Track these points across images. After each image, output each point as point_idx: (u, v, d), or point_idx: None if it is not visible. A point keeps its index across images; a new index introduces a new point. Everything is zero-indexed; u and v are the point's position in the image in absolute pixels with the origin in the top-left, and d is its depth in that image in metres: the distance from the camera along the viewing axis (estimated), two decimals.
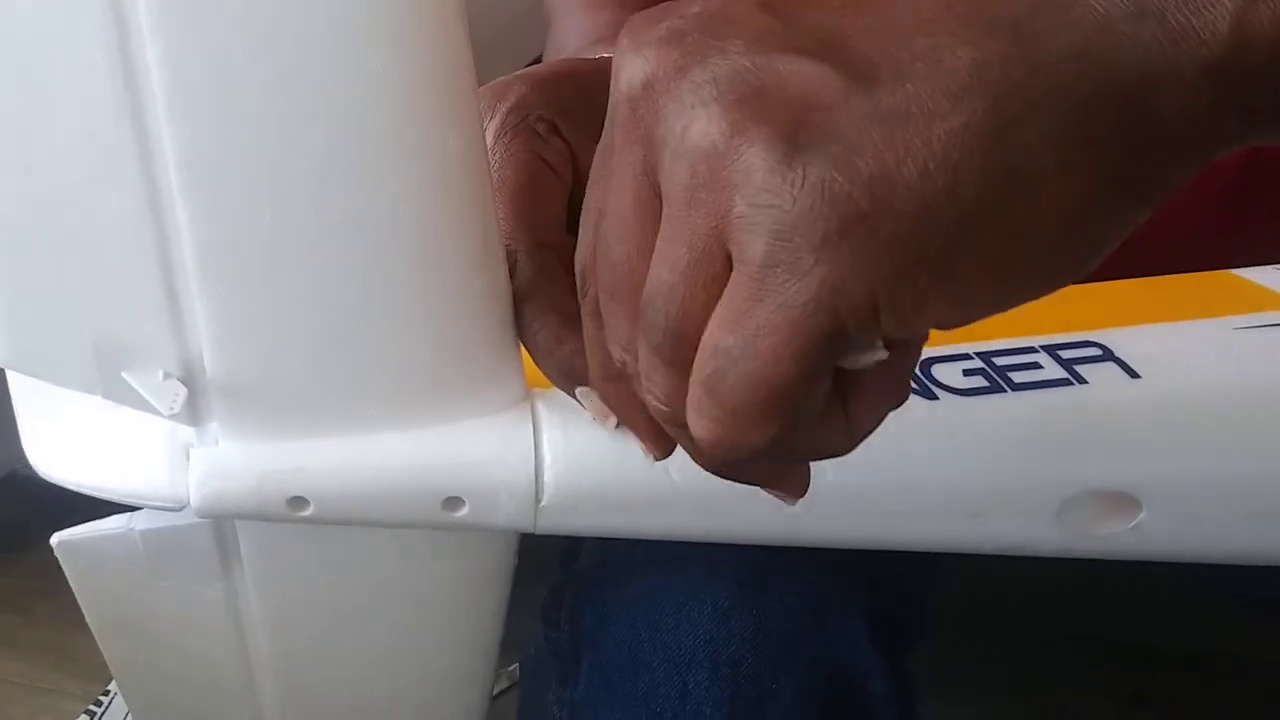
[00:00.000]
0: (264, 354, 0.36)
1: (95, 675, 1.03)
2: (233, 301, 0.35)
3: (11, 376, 0.41)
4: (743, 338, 0.25)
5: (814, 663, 0.43)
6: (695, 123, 0.25)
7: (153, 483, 0.38)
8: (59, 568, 0.41)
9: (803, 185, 0.24)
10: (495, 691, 0.93)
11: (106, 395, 0.36)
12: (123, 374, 0.36)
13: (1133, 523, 0.39)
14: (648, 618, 0.44)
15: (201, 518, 0.38)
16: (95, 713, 1.01)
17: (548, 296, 0.37)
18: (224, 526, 0.41)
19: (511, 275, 0.37)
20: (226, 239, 0.33)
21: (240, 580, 0.42)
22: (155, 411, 0.36)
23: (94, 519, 0.41)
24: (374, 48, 0.31)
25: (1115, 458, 0.38)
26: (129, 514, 0.41)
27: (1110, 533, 0.39)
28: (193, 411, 0.36)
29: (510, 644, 0.46)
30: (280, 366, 0.36)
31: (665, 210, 0.27)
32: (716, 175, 0.25)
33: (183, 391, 0.35)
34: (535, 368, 0.38)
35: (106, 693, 1.02)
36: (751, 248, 0.25)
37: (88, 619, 0.43)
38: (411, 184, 0.34)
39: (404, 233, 0.34)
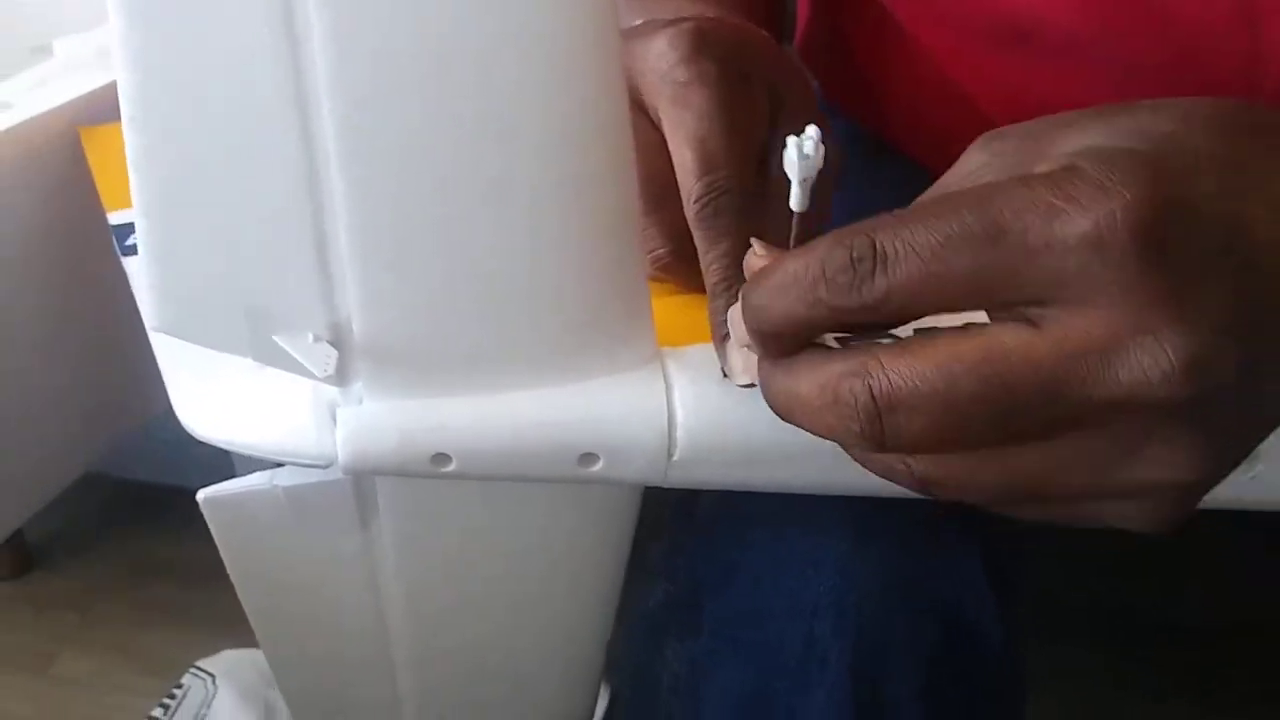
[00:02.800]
0: (409, 317, 0.37)
1: (165, 672, 1.04)
2: (381, 267, 0.36)
3: (156, 340, 0.43)
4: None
5: (934, 606, 0.44)
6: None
7: (300, 440, 0.40)
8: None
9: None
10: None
11: (258, 358, 0.38)
12: (274, 338, 0.37)
13: (1250, 475, 0.39)
14: (772, 568, 0.46)
15: (347, 474, 0.40)
16: (169, 706, 1.00)
17: (730, 239, 0.40)
18: (363, 482, 0.42)
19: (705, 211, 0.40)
20: (378, 209, 0.35)
21: (377, 534, 0.44)
22: (307, 373, 0.37)
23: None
24: (521, 27, 0.32)
25: None
26: (271, 470, 0.43)
27: (1228, 485, 0.40)
28: (340, 373, 0.38)
29: None
30: (424, 329, 0.37)
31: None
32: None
33: (334, 354, 0.37)
34: (664, 324, 0.40)
35: (179, 686, 1.02)
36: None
37: (229, 571, 0.46)
38: (550, 154, 0.35)
39: (542, 200, 0.36)
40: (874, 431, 0.30)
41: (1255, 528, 0.66)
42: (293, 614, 0.47)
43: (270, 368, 0.40)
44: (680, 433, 0.39)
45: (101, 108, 0.59)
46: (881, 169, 0.66)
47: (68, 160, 0.56)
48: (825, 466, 0.40)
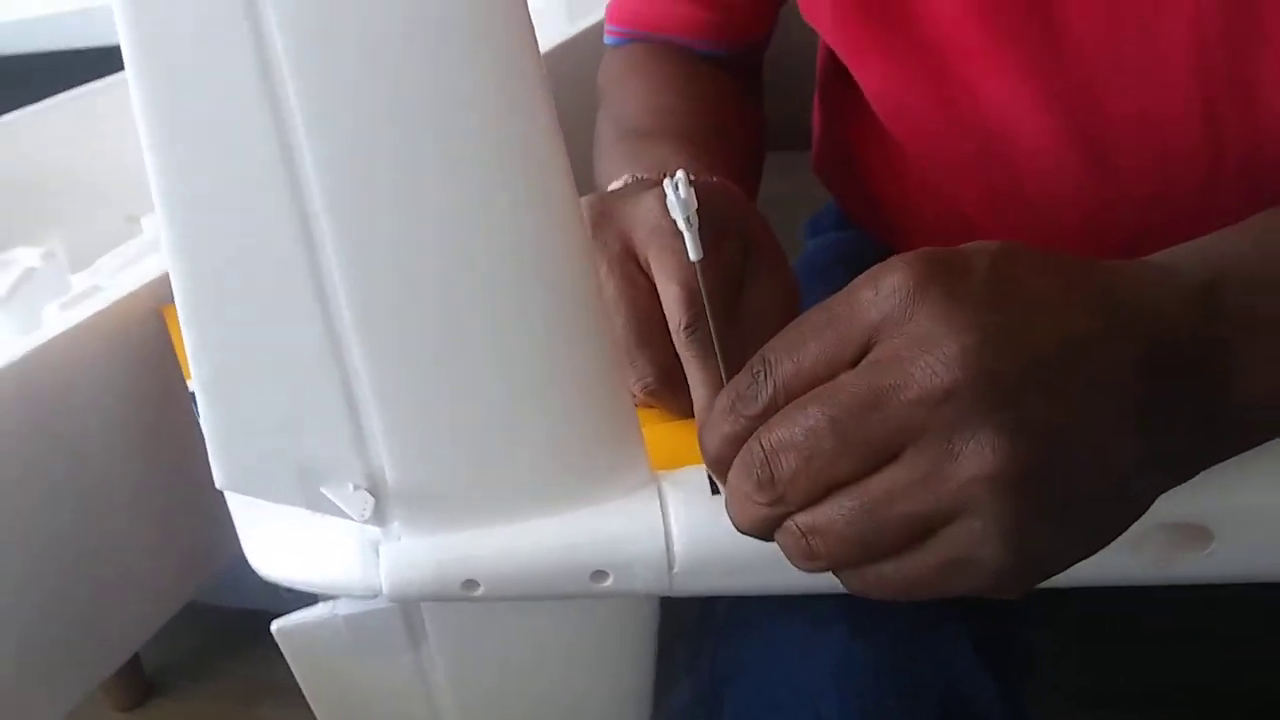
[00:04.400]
0: (434, 462, 0.43)
1: None
2: (405, 422, 0.42)
3: (230, 496, 0.50)
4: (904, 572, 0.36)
5: (929, 688, 0.49)
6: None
7: (350, 576, 0.46)
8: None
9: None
10: None
11: (310, 507, 0.44)
12: (321, 489, 0.43)
13: (1206, 551, 0.43)
14: (779, 658, 0.50)
15: (392, 602, 0.46)
16: None
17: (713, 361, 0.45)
18: (411, 608, 0.48)
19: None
20: (397, 374, 0.41)
21: (427, 652, 0.49)
22: (350, 518, 0.43)
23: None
24: (515, 207, 0.39)
25: (1184, 491, 0.43)
26: (332, 602, 0.49)
27: (1185, 562, 0.43)
28: (379, 515, 0.44)
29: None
30: (448, 471, 0.43)
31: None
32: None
33: (371, 500, 0.43)
34: (656, 451, 0.45)
35: None
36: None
37: (304, 690, 0.51)
38: (548, 325, 0.41)
39: (541, 360, 0.42)
40: (766, 477, 0.36)
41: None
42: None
43: (321, 514, 0.46)
44: (678, 547, 0.44)
45: None
46: None
47: (153, 335, 0.64)
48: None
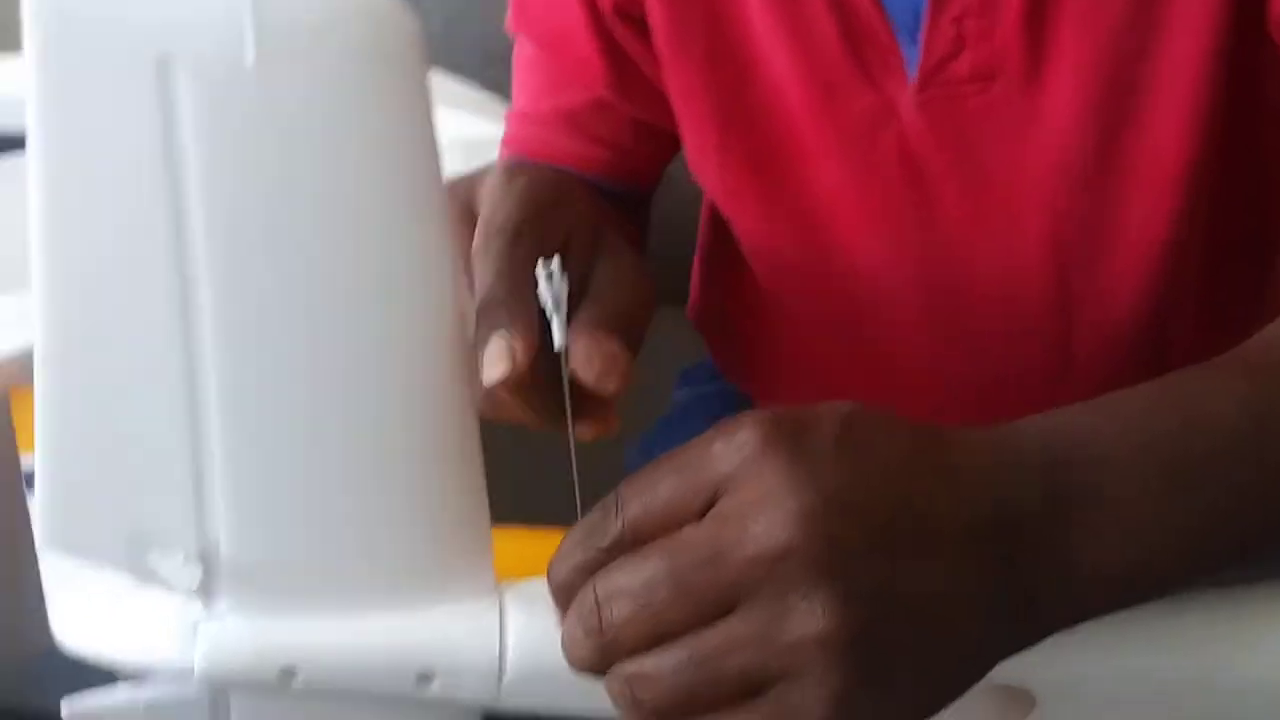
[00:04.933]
0: (273, 541, 0.42)
1: None
2: (251, 496, 0.41)
3: (44, 562, 0.47)
4: None
5: None
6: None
7: (163, 653, 0.44)
8: None
9: None
10: None
11: (133, 574, 0.42)
12: (148, 556, 0.42)
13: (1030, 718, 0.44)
14: None
15: (204, 684, 0.44)
16: None
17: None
18: (218, 705, 0.46)
19: None
20: (251, 450, 0.41)
21: None
22: (176, 591, 0.42)
23: None
24: (385, 285, 0.40)
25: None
26: (134, 686, 0.46)
27: None
28: (206, 590, 0.42)
29: None
30: (286, 551, 0.42)
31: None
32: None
33: (199, 573, 0.42)
34: (504, 558, 0.45)
35: None
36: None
37: None
38: (397, 413, 0.42)
39: (391, 453, 0.42)
40: (595, 625, 0.36)
41: None
42: None
43: (145, 588, 0.44)
44: (511, 655, 0.43)
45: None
46: None
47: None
48: None
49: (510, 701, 0.44)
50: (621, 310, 0.47)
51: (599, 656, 0.37)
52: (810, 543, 0.34)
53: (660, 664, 0.36)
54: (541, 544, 0.49)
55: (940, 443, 0.38)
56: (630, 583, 0.35)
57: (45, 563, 0.47)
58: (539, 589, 0.44)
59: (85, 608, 0.46)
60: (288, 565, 0.42)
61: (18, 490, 0.55)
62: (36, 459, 0.41)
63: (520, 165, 0.60)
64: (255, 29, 0.35)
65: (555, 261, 0.42)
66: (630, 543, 0.37)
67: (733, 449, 0.36)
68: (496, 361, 0.43)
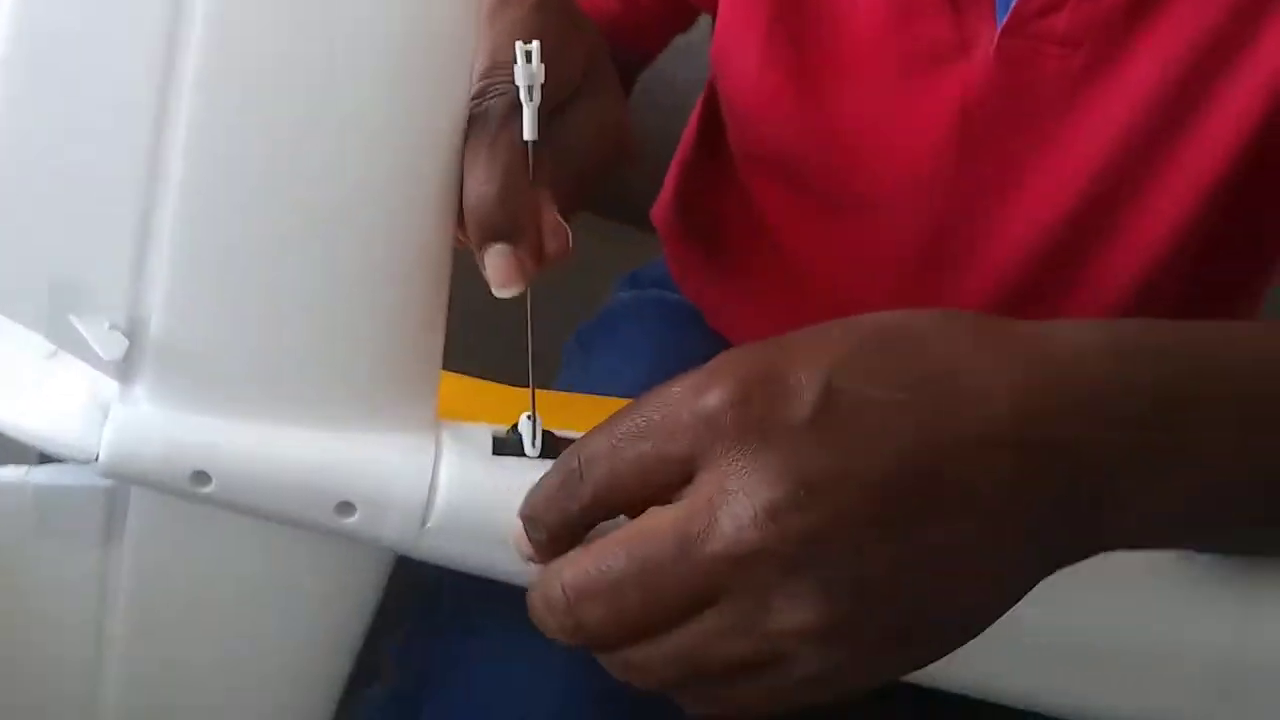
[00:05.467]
0: (207, 326, 0.39)
1: None
2: (196, 273, 0.38)
3: None
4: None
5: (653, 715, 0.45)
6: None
7: (66, 430, 0.40)
8: None
9: None
10: None
11: (50, 335, 0.39)
12: (70, 317, 0.38)
13: None
14: (499, 674, 0.46)
15: (105, 476, 0.40)
16: None
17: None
18: (116, 495, 0.42)
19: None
20: (209, 215, 0.37)
21: (117, 553, 0.43)
22: (94, 360, 0.38)
23: None
24: (374, 91, 0.37)
25: None
26: (25, 468, 0.43)
27: None
28: (126, 366, 0.39)
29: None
30: (222, 342, 0.39)
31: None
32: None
33: (124, 343, 0.38)
34: (449, 402, 0.42)
35: None
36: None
37: None
38: (372, 201, 0.38)
39: (358, 249, 0.39)
40: (571, 625, 0.34)
41: None
42: (8, 622, 0.46)
43: (59, 359, 0.41)
44: (439, 500, 0.40)
45: None
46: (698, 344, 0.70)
47: None
48: None
49: (426, 549, 0.41)
50: (597, 145, 0.44)
51: (581, 644, 0.35)
52: (783, 542, 0.31)
53: (647, 656, 0.34)
54: (484, 394, 0.46)
55: (957, 389, 0.33)
56: (598, 585, 0.33)
57: None
58: (478, 434, 0.42)
59: None
60: (221, 356, 0.39)
61: None
62: None
63: None
64: None
65: (535, 46, 0.38)
66: (595, 510, 0.34)
67: (703, 423, 0.33)
68: (507, 281, 0.40)
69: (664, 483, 0.33)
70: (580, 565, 0.34)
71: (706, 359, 0.34)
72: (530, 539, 0.36)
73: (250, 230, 0.38)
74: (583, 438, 0.35)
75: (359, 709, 0.51)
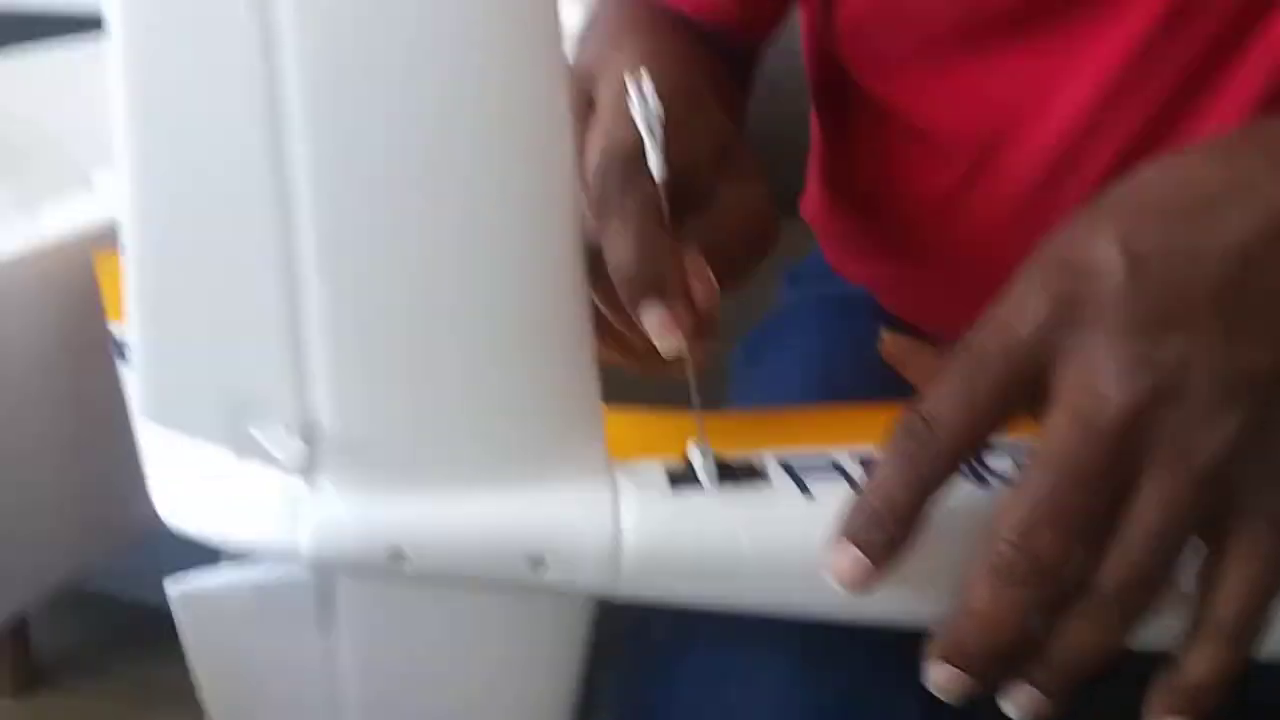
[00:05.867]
0: (376, 415, 0.40)
1: None
2: (353, 364, 0.39)
3: (142, 433, 0.46)
4: None
5: None
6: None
7: (267, 532, 0.42)
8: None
9: None
10: None
11: (234, 449, 0.40)
12: (250, 429, 0.40)
13: None
14: (713, 693, 0.47)
15: (310, 567, 0.42)
16: None
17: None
18: (326, 584, 0.44)
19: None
20: (354, 308, 0.38)
21: (336, 635, 0.45)
22: (277, 465, 0.40)
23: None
24: (502, 150, 0.37)
25: None
26: (239, 566, 0.45)
27: None
28: (310, 465, 0.40)
29: None
30: (389, 427, 0.40)
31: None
32: None
33: (304, 447, 0.39)
34: (615, 439, 0.42)
35: None
36: None
37: (193, 666, 0.47)
38: (513, 274, 0.39)
39: (509, 315, 0.39)
40: (1025, 566, 0.35)
41: None
42: (254, 709, 0.49)
43: (245, 463, 0.43)
44: (628, 542, 0.40)
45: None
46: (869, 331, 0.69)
47: (83, 279, 0.60)
48: (770, 585, 0.41)
49: (624, 591, 0.41)
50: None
51: (1044, 587, 0.35)
52: (1167, 375, 0.33)
53: (1120, 560, 0.34)
54: (648, 426, 0.46)
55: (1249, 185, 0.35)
56: (1035, 513, 0.34)
57: (144, 436, 0.46)
58: (653, 470, 0.42)
59: (186, 483, 0.44)
60: (393, 440, 0.40)
61: (108, 361, 0.54)
62: (131, 328, 0.39)
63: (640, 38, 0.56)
64: None
65: (646, 83, 0.38)
66: (957, 458, 0.35)
67: (1041, 329, 0.35)
68: (665, 334, 0.40)
69: (1021, 399, 0.35)
70: (1013, 511, 0.35)
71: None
72: (866, 545, 0.36)
73: (393, 312, 0.39)
74: (908, 405, 0.36)
75: None
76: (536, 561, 0.41)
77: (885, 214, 0.67)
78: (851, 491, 0.38)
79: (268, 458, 0.40)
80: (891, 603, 0.42)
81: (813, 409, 0.46)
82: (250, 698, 0.48)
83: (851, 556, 0.36)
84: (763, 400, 0.64)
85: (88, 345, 0.60)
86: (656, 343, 0.40)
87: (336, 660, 0.46)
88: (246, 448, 0.40)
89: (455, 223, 0.38)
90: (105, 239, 0.62)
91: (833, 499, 0.40)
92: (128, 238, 0.38)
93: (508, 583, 0.41)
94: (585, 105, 0.46)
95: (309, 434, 0.40)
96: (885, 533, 0.36)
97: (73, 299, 0.60)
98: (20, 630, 1.18)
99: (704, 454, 0.41)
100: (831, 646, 0.46)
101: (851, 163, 0.68)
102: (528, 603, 0.44)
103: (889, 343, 0.47)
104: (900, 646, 0.47)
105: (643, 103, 0.38)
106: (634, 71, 0.39)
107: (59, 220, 0.64)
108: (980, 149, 0.58)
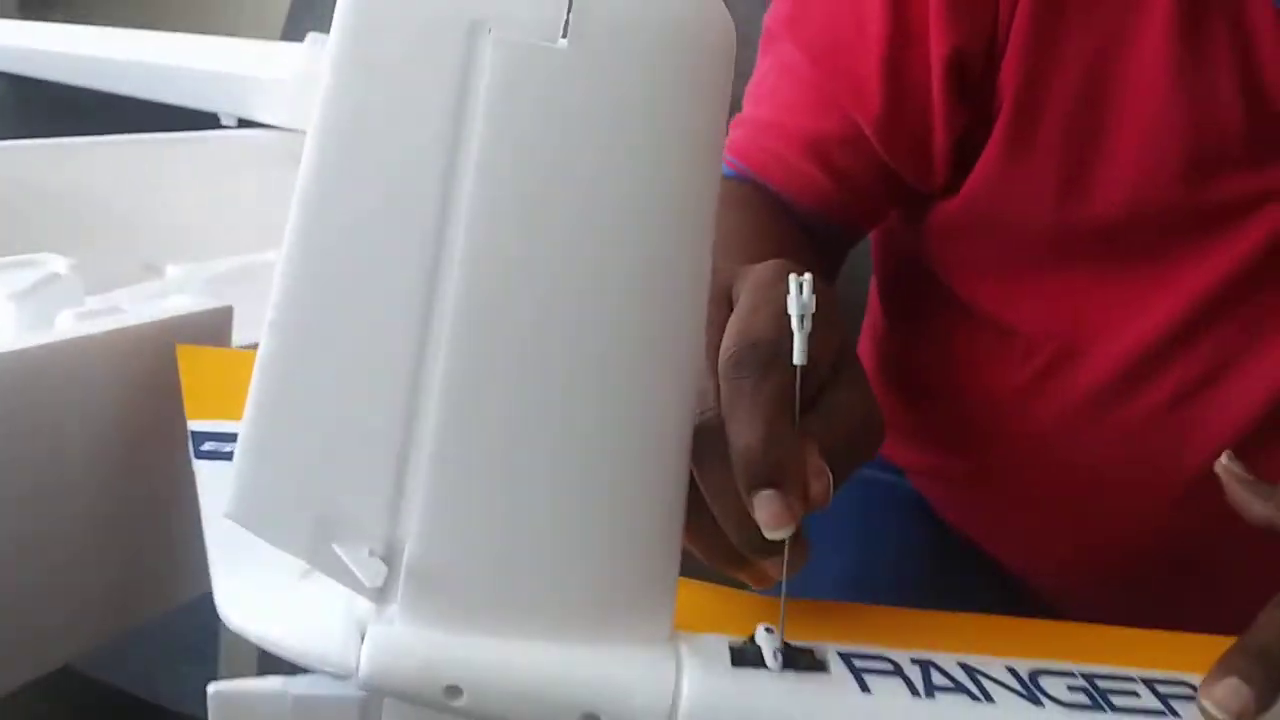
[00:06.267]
0: (462, 549, 0.41)
1: None
2: (451, 500, 0.40)
3: (211, 531, 0.46)
4: None
5: None
6: None
7: (327, 647, 0.42)
8: None
9: None
10: None
11: (313, 561, 0.41)
12: (334, 545, 0.41)
13: None
14: None
15: (364, 689, 0.42)
16: None
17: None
18: (371, 707, 0.44)
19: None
20: (466, 443, 0.39)
21: None
22: (354, 584, 0.40)
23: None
24: (636, 313, 0.39)
25: None
26: (284, 679, 0.45)
27: None
28: (383, 591, 0.41)
29: None
30: (472, 563, 0.41)
31: None
32: None
33: (384, 570, 0.40)
34: (683, 609, 0.43)
35: None
36: None
37: None
38: (624, 433, 0.40)
39: (608, 476, 0.40)
40: None
41: None
42: None
43: (312, 578, 0.43)
44: (685, 707, 0.41)
45: (199, 329, 0.65)
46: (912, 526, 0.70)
47: (161, 367, 0.61)
48: None
49: None
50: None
51: None
52: None
53: None
54: (715, 599, 0.47)
55: None
56: None
57: (216, 534, 0.46)
58: (716, 645, 0.43)
59: (250, 585, 0.45)
60: (471, 577, 0.41)
61: (182, 443, 0.55)
62: (244, 423, 0.40)
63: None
64: (574, 9, 0.35)
65: (807, 277, 0.40)
66: None
67: None
68: (778, 525, 0.40)
69: None
70: None
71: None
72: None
73: (501, 457, 0.40)
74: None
75: None
76: (590, 718, 0.41)
77: (950, 402, 0.69)
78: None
79: (346, 576, 0.40)
80: None
81: (872, 608, 0.47)
82: None
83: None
84: (801, 586, 0.65)
85: (159, 425, 0.61)
86: (767, 532, 0.41)
87: None
88: (326, 563, 0.41)
89: (577, 372, 0.39)
90: (183, 331, 0.64)
91: (889, 697, 0.41)
92: (269, 331, 0.39)
93: None
94: (723, 300, 0.47)
95: (389, 558, 0.41)
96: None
97: (150, 381, 0.61)
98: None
99: (772, 637, 0.42)
100: None
101: (915, 347, 0.70)
102: None
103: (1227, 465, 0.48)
104: None
105: (798, 295, 0.40)
106: (785, 269, 0.41)
107: (137, 306, 0.65)
108: (1061, 349, 0.60)
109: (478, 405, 0.39)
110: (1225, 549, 0.57)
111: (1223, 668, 0.40)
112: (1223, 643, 0.46)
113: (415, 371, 0.39)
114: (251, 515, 0.42)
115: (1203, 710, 0.40)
